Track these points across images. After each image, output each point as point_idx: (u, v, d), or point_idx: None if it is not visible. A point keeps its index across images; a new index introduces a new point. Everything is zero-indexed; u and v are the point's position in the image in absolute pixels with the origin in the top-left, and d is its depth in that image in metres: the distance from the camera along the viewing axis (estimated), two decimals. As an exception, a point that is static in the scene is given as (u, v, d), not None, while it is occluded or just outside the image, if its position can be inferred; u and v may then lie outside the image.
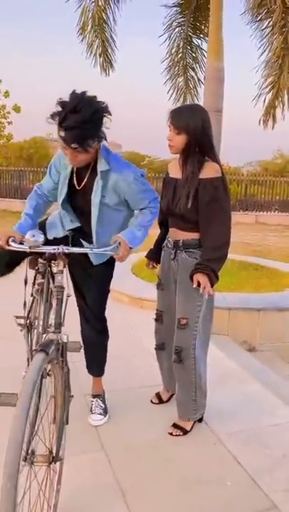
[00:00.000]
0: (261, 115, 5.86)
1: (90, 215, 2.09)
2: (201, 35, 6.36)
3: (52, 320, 1.67)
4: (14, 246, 1.74)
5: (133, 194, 2.09)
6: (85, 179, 2.06)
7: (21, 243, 1.76)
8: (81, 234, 2.21)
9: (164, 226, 2.48)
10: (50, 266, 2.08)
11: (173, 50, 6.41)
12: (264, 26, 5.34)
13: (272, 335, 4.29)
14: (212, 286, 2.12)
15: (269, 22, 5.23)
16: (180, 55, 6.42)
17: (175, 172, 2.29)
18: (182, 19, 6.24)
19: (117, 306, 4.07)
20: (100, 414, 2.38)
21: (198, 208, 2.14)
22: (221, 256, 2.17)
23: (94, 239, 2.13)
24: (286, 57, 5.05)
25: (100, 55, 6.20)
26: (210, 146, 2.19)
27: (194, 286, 2.10)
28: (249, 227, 15.10)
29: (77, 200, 2.13)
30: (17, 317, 2.59)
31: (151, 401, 2.62)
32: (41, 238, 1.66)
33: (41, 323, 2.00)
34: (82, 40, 6.11)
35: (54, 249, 1.69)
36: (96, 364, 2.44)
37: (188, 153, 2.16)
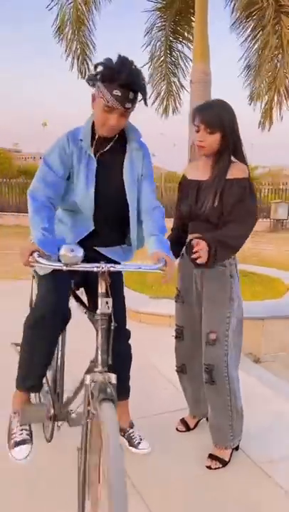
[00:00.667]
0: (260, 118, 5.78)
1: (112, 204, 1.82)
2: (182, 40, 6.24)
3: (99, 357, 1.38)
4: (44, 263, 1.40)
5: (151, 182, 1.92)
6: (117, 152, 1.85)
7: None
8: (93, 239, 1.86)
9: (176, 231, 2.23)
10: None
11: (154, 55, 6.25)
12: (250, 27, 5.27)
13: (276, 344, 4.13)
14: (207, 265, 1.87)
15: (258, 22, 5.15)
16: (161, 59, 6.27)
17: (196, 174, 2.10)
18: (163, 23, 6.09)
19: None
20: (145, 439, 2.11)
21: (222, 210, 1.94)
22: (230, 244, 1.93)
23: (132, 234, 1.87)
24: (281, 55, 4.97)
25: (78, 58, 5.94)
26: (240, 145, 2.02)
27: (195, 249, 1.83)
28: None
29: (102, 184, 1.82)
30: (16, 344, 2.26)
31: (177, 429, 2.35)
32: (81, 253, 1.35)
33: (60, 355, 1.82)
34: (59, 41, 5.82)
35: (97, 267, 1.39)
36: (125, 384, 2.08)
37: (222, 153, 1.97)
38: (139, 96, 1.71)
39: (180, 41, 6.27)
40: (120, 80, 1.60)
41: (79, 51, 5.90)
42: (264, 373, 3.41)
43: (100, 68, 1.64)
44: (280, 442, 2.25)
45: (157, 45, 6.24)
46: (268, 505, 1.80)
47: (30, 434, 1.79)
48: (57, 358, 1.94)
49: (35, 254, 1.43)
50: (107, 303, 1.40)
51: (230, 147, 1.96)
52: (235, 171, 1.96)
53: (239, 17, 5.39)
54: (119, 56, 1.65)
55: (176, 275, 2.16)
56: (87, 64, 6.13)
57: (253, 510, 1.77)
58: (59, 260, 1.37)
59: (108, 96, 1.63)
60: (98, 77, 1.64)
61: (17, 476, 1.90)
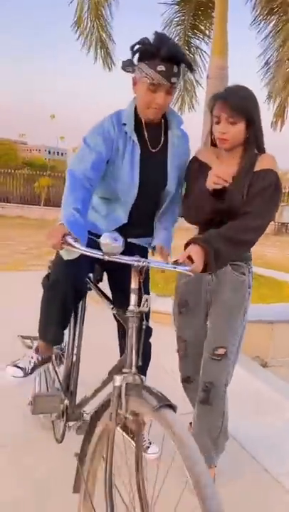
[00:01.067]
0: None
1: (152, 194, 1.77)
2: (201, 36, 6.13)
3: (132, 357, 1.27)
4: (82, 248, 1.29)
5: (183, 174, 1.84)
6: (160, 138, 1.77)
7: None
8: (126, 230, 1.73)
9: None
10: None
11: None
12: (272, 23, 5.15)
13: (285, 349, 4.04)
14: (206, 270, 1.56)
15: (280, 17, 5.03)
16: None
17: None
18: (182, 18, 5.98)
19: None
20: (154, 443, 2.00)
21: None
22: (235, 239, 1.63)
23: (157, 225, 1.84)
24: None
25: (101, 48, 5.84)
26: (262, 137, 1.77)
27: (180, 260, 1.50)
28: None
29: (144, 171, 1.73)
30: (23, 337, 2.18)
31: None
32: (122, 243, 1.25)
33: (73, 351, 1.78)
34: (78, 35, 5.72)
35: (137, 260, 1.28)
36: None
37: (248, 147, 1.73)
38: (182, 69, 1.65)
39: (198, 37, 6.16)
40: (163, 55, 1.54)
41: (100, 43, 5.79)
42: (273, 378, 3.32)
43: (137, 47, 1.58)
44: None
45: (175, 40, 6.11)
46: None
47: (31, 368, 1.86)
48: (72, 353, 1.86)
49: (69, 238, 1.32)
50: (146, 300, 1.29)
51: (255, 139, 1.73)
52: (266, 162, 1.73)
53: (260, 13, 5.28)
54: (156, 32, 1.60)
55: (177, 280, 1.93)
56: (109, 55, 6.03)
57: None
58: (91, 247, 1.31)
59: (152, 73, 1.56)
60: (137, 57, 1.58)
61: (26, 476, 1.82)
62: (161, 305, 4.25)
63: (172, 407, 1.10)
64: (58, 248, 1.35)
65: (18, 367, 1.83)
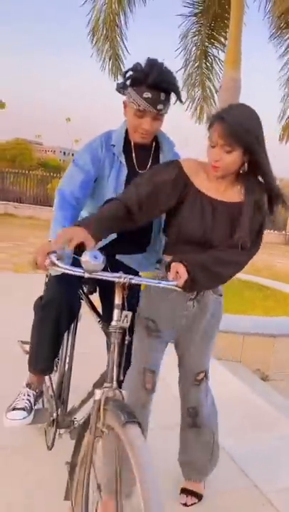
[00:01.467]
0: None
1: None
2: (218, 45, 6.18)
3: (113, 372, 1.31)
4: (63, 267, 1.28)
5: None
6: (149, 160, 1.81)
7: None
8: (114, 246, 1.76)
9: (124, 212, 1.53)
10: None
11: (189, 60, 6.21)
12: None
13: (286, 363, 4.02)
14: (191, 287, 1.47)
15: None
16: (196, 64, 6.21)
17: (209, 188, 1.58)
18: (199, 28, 6.03)
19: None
20: None
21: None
22: (214, 271, 1.52)
23: (152, 244, 1.84)
24: None
25: (110, 58, 5.92)
26: (267, 163, 1.54)
27: (171, 277, 1.43)
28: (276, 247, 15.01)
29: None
30: (22, 342, 2.22)
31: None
32: (102, 260, 1.26)
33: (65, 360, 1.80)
34: (94, 43, 5.81)
35: (118, 277, 1.31)
36: None
37: (244, 174, 1.59)
38: (173, 98, 1.67)
39: (215, 46, 6.21)
40: (150, 82, 1.57)
41: (111, 52, 5.87)
42: (271, 393, 3.32)
43: (129, 74, 1.62)
44: (287, 470, 2.16)
45: (192, 50, 6.19)
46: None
47: (31, 406, 1.79)
48: (64, 362, 1.89)
49: (53, 256, 1.29)
50: (126, 316, 1.32)
51: (257, 166, 1.54)
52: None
53: (279, 26, 5.29)
54: (148, 59, 1.62)
55: (146, 299, 1.70)
56: (120, 65, 6.10)
57: None
58: (75, 265, 1.31)
59: (139, 99, 1.59)
60: (128, 82, 1.62)
61: (16, 484, 1.86)
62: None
63: (139, 423, 1.13)
64: (42, 269, 1.34)
65: (18, 409, 1.75)
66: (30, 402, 1.79)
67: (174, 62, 6.50)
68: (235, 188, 1.59)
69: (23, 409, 1.74)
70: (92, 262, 1.24)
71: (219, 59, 6.19)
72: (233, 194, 1.59)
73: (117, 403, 1.21)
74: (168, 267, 1.48)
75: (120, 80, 1.70)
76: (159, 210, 1.60)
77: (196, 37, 6.11)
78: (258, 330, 4.01)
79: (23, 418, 1.72)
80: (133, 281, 1.32)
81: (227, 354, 3.90)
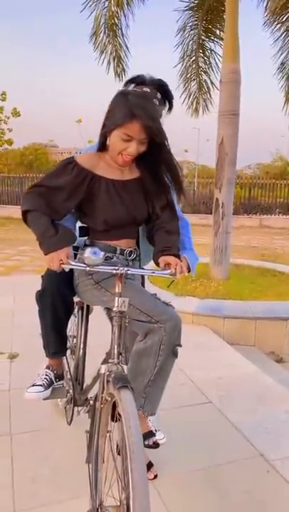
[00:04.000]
0: None
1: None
2: (214, 39, 6.25)
3: (115, 349, 1.53)
4: (73, 264, 1.56)
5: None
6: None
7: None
8: None
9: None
10: None
11: (186, 54, 6.30)
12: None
13: (300, 345, 4.14)
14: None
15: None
16: (193, 58, 6.30)
17: (115, 174, 1.76)
18: (195, 22, 6.13)
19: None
20: (160, 431, 2.05)
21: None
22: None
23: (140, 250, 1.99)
24: None
25: (114, 59, 6.08)
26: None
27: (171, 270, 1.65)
28: (254, 231, 15.02)
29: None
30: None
31: None
32: (101, 255, 1.51)
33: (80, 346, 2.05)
34: (95, 46, 5.98)
35: (115, 269, 1.55)
36: None
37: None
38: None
39: (212, 40, 6.27)
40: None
41: (114, 54, 6.03)
42: (282, 373, 3.46)
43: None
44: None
45: (189, 43, 6.27)
46: (275, 501, 1.88)
47: (48, 383, 2.08)
48: (79, 348, 2.13)
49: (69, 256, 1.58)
50: (124, 302, 1.54)
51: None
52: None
53: (275, 11, 5.32)
54: (143, 91, 1.78)
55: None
56: (123, 66, 6.25)
57: (260, 507, 1.86)
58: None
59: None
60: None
61: (42, 459, 2.09)
62: (180, 304, 4.45)
63: (132, 388, 1.35)
64: (57, 268, 1.56)
65: (37, 385, 2.06)
66: (47, 380, 2.08)
67: (172, 58, 6.62)
68: (132, 165, 1.80)
69: (40, 385, 2.05)
70: (93, 257, 1.47)
71: (216, 52, 6.27)
72: (131, 171, 1.81)
73: (116, 374, 1.43)
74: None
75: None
76: (72, 205, 1.74)
77: (193, 31, 6.19)
78: (270, 314, 4.14)
79: (40, 392, 2.03)
80: (129, 272, 1.55)
81: (240, 339, 4.05)
